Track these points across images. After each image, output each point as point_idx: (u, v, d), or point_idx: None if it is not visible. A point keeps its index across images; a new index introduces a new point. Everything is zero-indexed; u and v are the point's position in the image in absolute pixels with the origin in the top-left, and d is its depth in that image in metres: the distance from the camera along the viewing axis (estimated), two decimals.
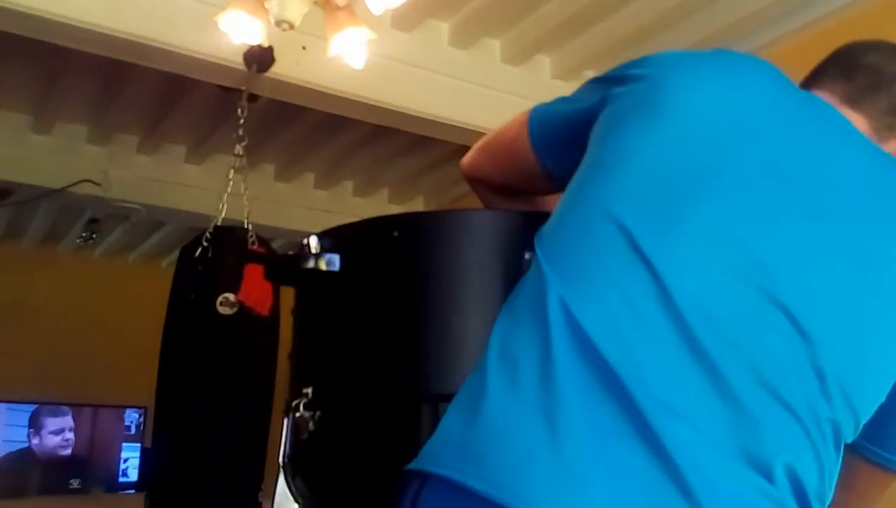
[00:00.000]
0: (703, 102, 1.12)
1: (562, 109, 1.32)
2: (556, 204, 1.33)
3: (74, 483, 7.00)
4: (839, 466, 1.06)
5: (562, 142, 1.29)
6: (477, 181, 1.49)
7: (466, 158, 1.48)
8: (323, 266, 1.29)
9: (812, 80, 1.28)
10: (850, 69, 1.27)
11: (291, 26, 2.91)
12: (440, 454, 1.02)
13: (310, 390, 1.29)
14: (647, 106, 1.14)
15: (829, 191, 1.10)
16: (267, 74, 3.47)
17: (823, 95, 1.24)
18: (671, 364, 0.97)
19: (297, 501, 1.39)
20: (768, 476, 0.95)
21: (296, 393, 1.31)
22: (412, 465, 1.04)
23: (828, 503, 1.04)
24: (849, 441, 1.08)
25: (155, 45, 3.31)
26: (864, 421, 1.09)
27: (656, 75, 1.17)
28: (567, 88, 4.23)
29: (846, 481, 1.08)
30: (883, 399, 1.11)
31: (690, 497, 0.90)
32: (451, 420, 1.05)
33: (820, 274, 1.05)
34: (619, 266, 1.02)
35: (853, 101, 1.23)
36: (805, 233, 1.06)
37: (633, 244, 1.02)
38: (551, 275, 1.05)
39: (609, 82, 1.23)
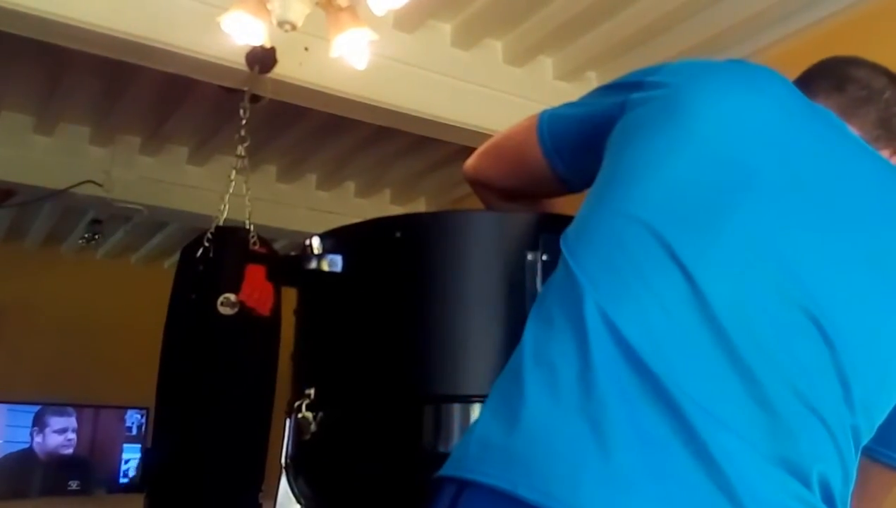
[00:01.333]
0: (725, 113, 1.13)
1: (574, 112, 1.32)
2: (561, 206, 1.33)
3: (74, 485, 7.01)
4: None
5: (574, 145, 1.30)
6: (481, 184, 1.49)
7: (470, 162, 1.48)
8: (325, 267, 1.29)
9: (804, 92, 1.29)
10: (841, 81, 1.30)
11: (294, 27, 2.91)
12: (481, 461, 0.99)
13: (312, 391, 1.29)
14: (669, 114, 1.14)
15: (849, 201, 1.12)
16: (269, 75, 3.47)
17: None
18: (711, 371, 0.97)
19: (299, 502, 1.39)
20: (806, 483, 0.96)
21: (298, 393, 1.31)
22: (446, 471, 1.02)
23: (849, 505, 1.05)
24: (863, 444, 1.09)
25: (157, 45, 3.31)
26: (878, 423, 1.11)
27: (677, 84, 1.18)
28: (569, 89, 4.28)
29: (855, 483, 1.09)
30: (894, 402, 1.13)
31: (738, 503, 0.90)
32: (488, 425, 1.03)
33: (843, 283, 1.06)
34: (656, 272, 1.02)
35: (846, 115, 1.26)
36: (829, 243, 1.08)
37: (669, 251, 1.02)
38: (585, 281, 1.04)
39: (626, 88, 1.23)
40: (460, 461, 1.02)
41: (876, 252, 1.10)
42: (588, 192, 1.19)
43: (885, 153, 1.27)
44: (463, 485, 0.99)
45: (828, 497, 0.98)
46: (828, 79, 1.32)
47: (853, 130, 1.25)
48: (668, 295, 1.01)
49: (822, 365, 1.01)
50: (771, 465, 0.95)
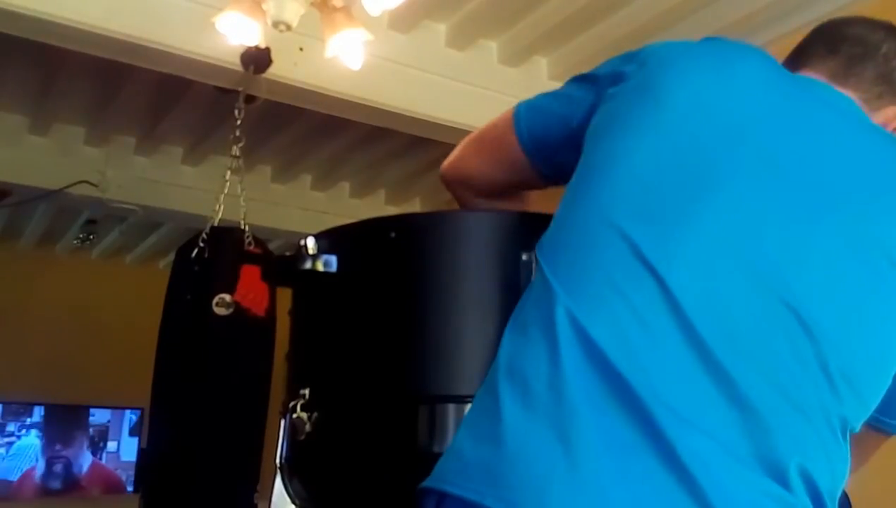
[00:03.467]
0: (695, 96, 1.10)
1: (550, 108, 1.30)
2: (537, 206, 1.32)
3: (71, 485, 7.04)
4: (847, 460, 1.05)
5: (553, 145, 1.28)
6: (459, 181, 1.47)
7: (447, 161, 1.46)
8: (320, 267, 1.29)
9: (797, 61, 1.27)
10: (833, 43, 1.27)
11: (288, 27, 2.90)
12: (455, 473, 1.00)
13: (307, 391, 1.29)
14: (638, 105, 1.12)
15: (829, 180, 1.08)
16: (264, 75, 3.47)
17: (812, 76, 1.25)
18: (682, 372, 0.96)
19: (294, 502, 1.39)
20: (783, 481, 0.94)
21: (293, 393, 1.31)
22: (426, 483, 1.03)
23: (839, 498, 1.03)
24: (857, 429, 1.07)
25: (152, 46, 3.31)
26: (874, 407, 1.09)
27: (647, 71, 1.15)
28: None
29: None
30: (889, 381, 1.10)
31: (707, 506, 0.89)
32: (464, 438, 1.04)
33: (822, 269, 1.04)
34: (624, 276, 1.01)
35: (840, 76, 1.23)
36: (807, 228, 1.05)
37: (637, 253, 1.01)
38: (557, 287, 1.03)
39: (600, 80, 1.21)
40: (440, 473, 1.03)
41: (857, 229, 1.07)
42: (564, 195, 1.17)
43: (890, 110, 1.24)
44: (442, 497, 1.00)
45: (813, 492, 0.97)
46: (820, 43, 1.29)
47: (850, 93, 1.22)
48: (637, 299, 0.99)
49: (802, 355, 0.99)
50: (743, 466, 0.94)
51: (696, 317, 0.97)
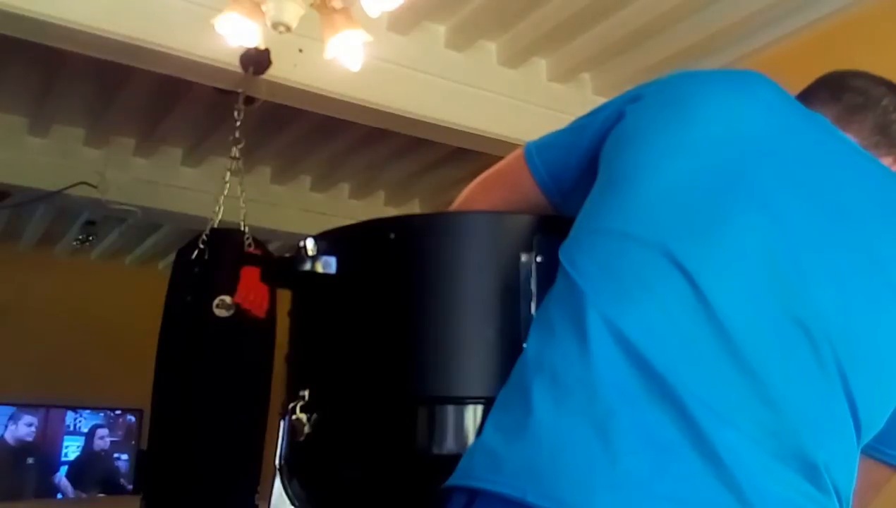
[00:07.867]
0: (718, 116, 1.15)
1: (564, 141, 1.32)
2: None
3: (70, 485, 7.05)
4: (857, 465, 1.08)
5: (571, 175, 1.29)
6: None
7: (454, 207, 1.46)
8: (319, 268, 1.29)
9: (803, 102, 1.31)
10: (837, 90, 1.32)
11: (288, 29, 2.91)
12: (489, 469, 1.00)
13: (306, 392, 1.29)
14: (662, 120, 1.16)
15: (844, 200, 1.13)
16: (263, 77, 3.47)
17: None
18: (715, 370, 0.98)
19: (293, 503, 1.39)
20: (812, 479, 0.97)
21: (292, 395, 1.31)
22: (454, 481, 1.03)
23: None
24: (864, 442, 1.10)
25: (152, 47, 3.31)
26: (881, 424, 1.12)
27: (669, 91, 1.20)
28: (563, 91, 4.27)
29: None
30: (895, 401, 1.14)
31: (745, 502, 0.91)
32: (493, 435, 1.04)
33: (841, 281, 1.08)
34: (657, 278, 1.03)
35: (842, 122, 1.27)
36: (827, 243, 1.09)
37: (671, 257, 1.03)
38: (585, 287, 1.05)
39: (624, 100, 1.24)
40: (469, 470, 1.03)
41: (872, 249, 1.11)
42: (585, 202, 1.19)
43: (886, 161, 1.28)
44: (473, 494, 1.00)
45: (836, 493, 1.00)
46: (825, 90, 1.34)
47: (851, 137, 1.26)
48: (670, 299, 1.02)
49: (824, 361, 1.02)
50: (776, 462, 0.96)
51: (727, 319, 1.00)
